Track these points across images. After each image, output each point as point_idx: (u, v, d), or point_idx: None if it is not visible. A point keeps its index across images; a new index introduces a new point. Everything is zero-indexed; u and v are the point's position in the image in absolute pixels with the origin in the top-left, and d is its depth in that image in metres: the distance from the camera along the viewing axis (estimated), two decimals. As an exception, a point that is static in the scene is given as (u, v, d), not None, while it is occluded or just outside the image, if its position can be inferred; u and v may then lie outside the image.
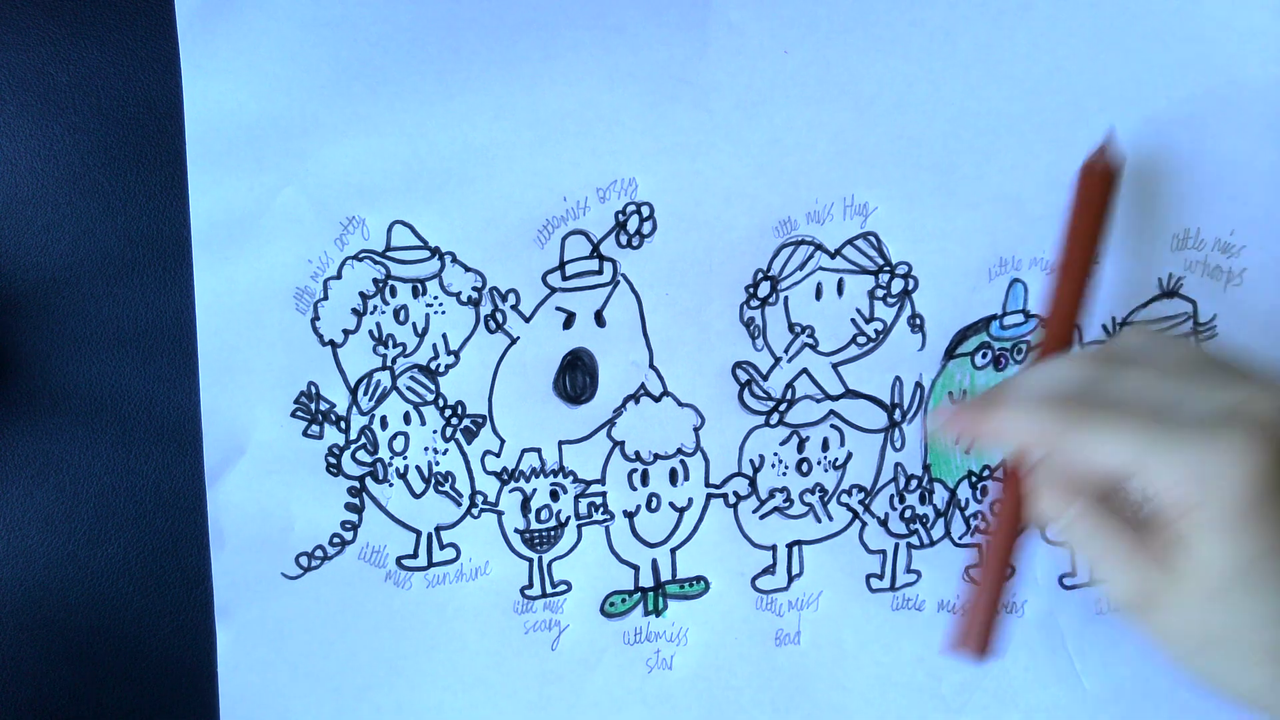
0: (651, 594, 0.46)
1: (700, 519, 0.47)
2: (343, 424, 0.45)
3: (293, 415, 0.45)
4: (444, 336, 0.45)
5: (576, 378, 0.46)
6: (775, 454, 0.46)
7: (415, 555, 0.46)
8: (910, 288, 0.46)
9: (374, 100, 0.44)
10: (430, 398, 0.45)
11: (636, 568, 0.46)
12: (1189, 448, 0.32)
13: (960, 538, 0.46)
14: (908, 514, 0.46)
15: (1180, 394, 0.33)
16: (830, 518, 0.47)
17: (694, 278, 0.45)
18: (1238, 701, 0.34)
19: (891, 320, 0.46)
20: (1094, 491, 0.35)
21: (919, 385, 0.46)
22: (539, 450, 0.46)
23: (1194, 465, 0.32)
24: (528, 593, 0.46)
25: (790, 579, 0.47)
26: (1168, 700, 0.47)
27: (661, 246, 0.45)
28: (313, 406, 0.45)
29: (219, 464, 0.45)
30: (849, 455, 0.46)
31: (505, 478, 0.46)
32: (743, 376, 0.46)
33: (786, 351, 0.46)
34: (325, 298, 0.45)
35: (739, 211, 0.45)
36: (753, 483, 0.47)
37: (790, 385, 0.46)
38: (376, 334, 0.45)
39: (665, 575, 0.46)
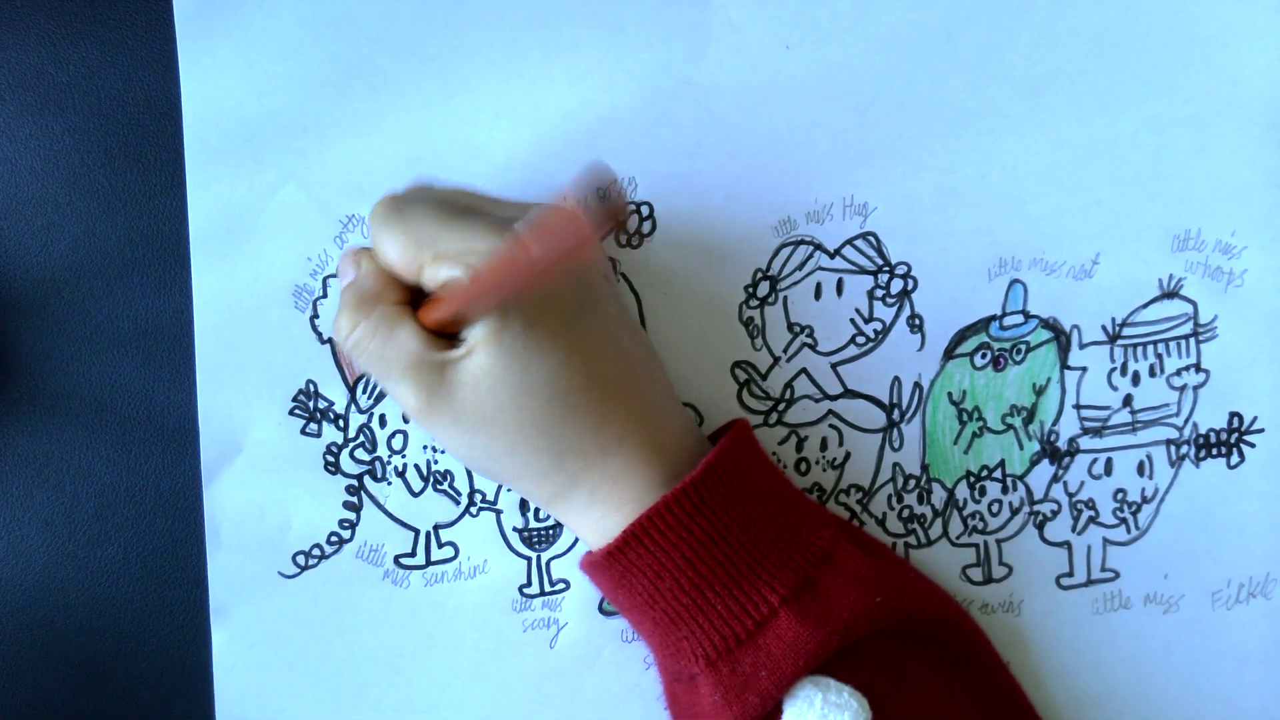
0: (650, 593, 0.46)
1: (699, 519, 0.47)
2: (341, 422, 0.45)
3: (291, 413, 0.45)
4: (443, 335, 0.45)
5: (575, 377, 0.45)
6: (774, 453, 0.46)
7: (413, 554, 0.46)
8: (909, 288, 0.46)
9: (374, 99, 0.44)
10: (429, 396, 0.45)
11: (635, 567, 0.46)
12: (474, 231, 0.37)
13: (958, 537, 0.46)
14: (905, 514, 0.46)
15: (479, 208, 0.40)
16: (829, 518, 0.47)
17: (693, 277, 0.45)
18: (521, 490, 0.41)
19: (891, 320, 0.46)
20: (395, 298, 0.39)
21: (918, 385, 0.46)
22: (537, 449, 0.46)
23: (473, 241, 0.37)
24: (526, 591, 0.46)
25: (789, 579, 0.47)
26: (1165, 701, 0.47)
27: (661, 246, 0.45)
28: (311, 404, 0.45)
29: (215, 462, 0.45)
30: (847, 455, 0.46)
31: (504, 476, 0.46)
32: (741, 376, 0.46)
33: (785, 351, 0.46)
34: (325, 295, 0.45)
35: (739, 211, 0.45)
36: (752, 482, 0.46)
37: (789, 385, 0.46)
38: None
39: (663, 574, 0.46)
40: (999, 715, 0.42)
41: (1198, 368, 0.46)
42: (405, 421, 0.45)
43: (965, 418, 0.46)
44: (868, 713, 0.37)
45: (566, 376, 0.38)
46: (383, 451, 0.45)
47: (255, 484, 0.45)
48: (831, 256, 0.46)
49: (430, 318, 0.38)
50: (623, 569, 0.39)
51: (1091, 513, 0.47)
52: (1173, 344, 0.46)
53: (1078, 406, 0.46)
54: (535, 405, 0.38)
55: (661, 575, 0.38)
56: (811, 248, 0.46)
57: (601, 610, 0.46)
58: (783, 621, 0.37)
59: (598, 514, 0.39)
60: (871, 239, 0.46)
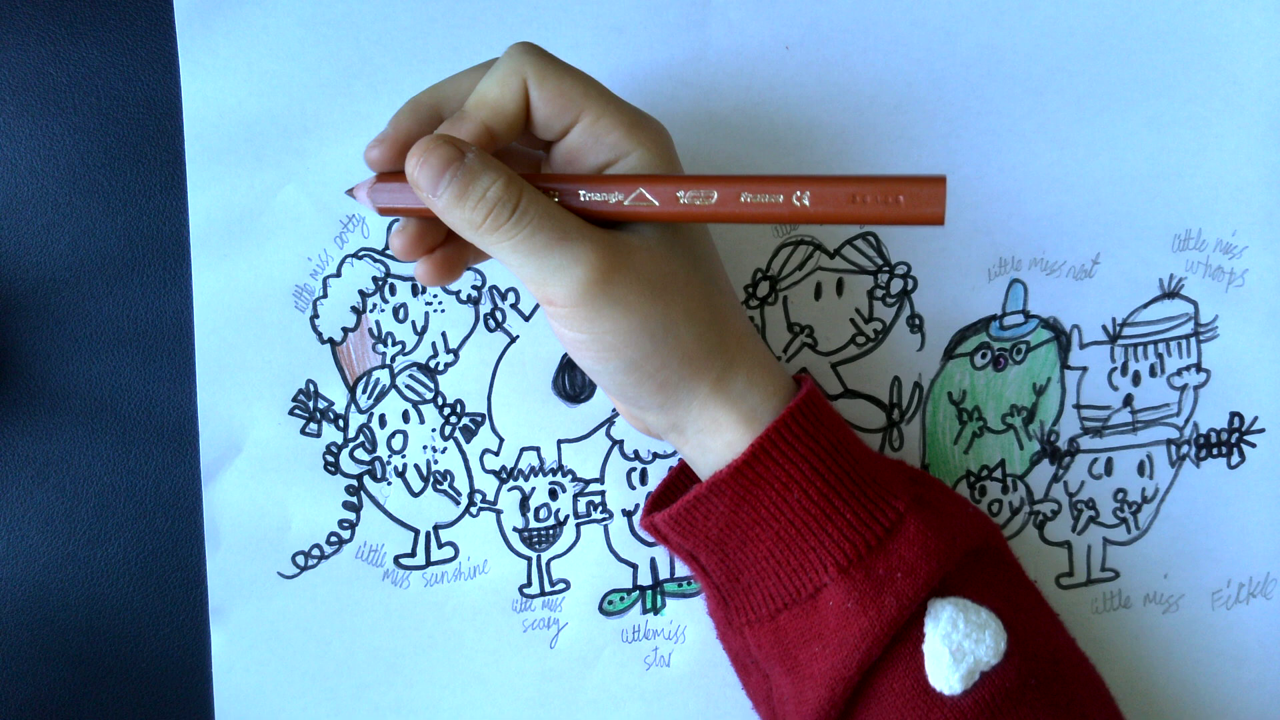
0: (650, 592, 0.46)
1: (699, 519, 0.46)
2: (341, 422, 0.45)
3: (290, 413, 0.45)
4: (443, 335, 0.45)
5: (576, 376, 0.45)
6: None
7: (413, 554, 0.46)
8: (909, 288, 0.46)
9: (374, 99, 0.44)
10: (429, 396, 0.45)
11: (635, 566, 0.46)
12: (625, 112, 0.37)
13: (959, 537, 0.46)
14: (906, 513, 0.46)
15: None
16: (829, 518, 0.47)
17: (693, 277, 0.45)
18: (677, 379, 0.37)
19: (891, 320, 0.46)
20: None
21: (918, 385, 0.46)
22: (538, 449, 0.46)
23: (630, 114, 0.37)
24: (526, 591, 0.46)
25: (789, 579, 0.47)
26: (1165, 701, 0.47)
27: (661, 246, 0.45)
28: (311, 404, 0.45)
29: (215, 462, 0.45)
30: (848, 454, 0.46)
31: (504, 476, 0.46)
32: (742, 376, 0.46)
33: (785, 351, 0.46)
34: (324, 295, 0.45)
35: (739, 211, 0.45)
36: (752, 482, 0.46)
37: (789, 385, 0.46)
38: (376, 332, 0.45)
39: (663, 574, 0.46)
40: (1074, 644, 0.42)
41: (1198, 367, 0.46)
42: (404, 421, 0.45)
43: (965, 417, 0.46)
44: (1004, 633, 0.38)
45: (716, 263, 0.39)
46: (383, 451, 0.45)
47: (255, 484, 0.45)
48: (831, 256, 0.46)
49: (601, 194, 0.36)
50: (750, 482, 0.38)
51: (1092, 512, 0.47)
52: (1173, 344, 0.46)
53: (1078, 406, 0.46)
54: (702, 278, 0.38)
55: (790, 486, 0.38)
56: (811, 248, 0.46)
57: (602, 610, 0.46)
58: (911, 526, 0.38)
59: (756, 399, 0.38)
60: (871, 239, 0.46)
